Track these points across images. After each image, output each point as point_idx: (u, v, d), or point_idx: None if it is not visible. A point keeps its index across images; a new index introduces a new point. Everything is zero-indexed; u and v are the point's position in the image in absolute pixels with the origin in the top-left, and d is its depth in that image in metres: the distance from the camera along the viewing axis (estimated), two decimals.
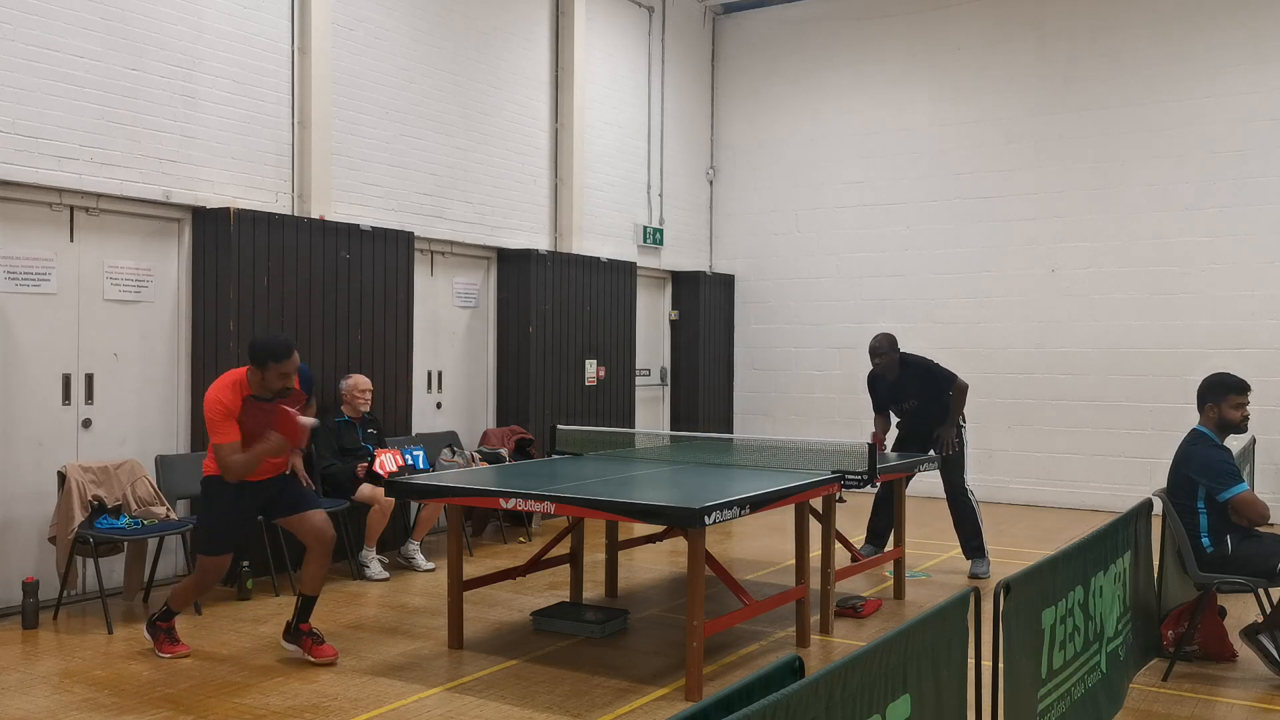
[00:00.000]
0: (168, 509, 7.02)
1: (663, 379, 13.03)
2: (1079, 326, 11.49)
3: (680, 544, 7.86)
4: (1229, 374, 5.83)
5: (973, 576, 7.86)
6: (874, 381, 8.29)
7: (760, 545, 9.16)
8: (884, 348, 7.98)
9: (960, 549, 8.11)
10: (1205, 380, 5.81)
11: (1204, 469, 5.53)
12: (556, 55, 11.09)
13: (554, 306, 10.53)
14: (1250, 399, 5.77)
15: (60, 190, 6.97)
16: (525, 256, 10.33)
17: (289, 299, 8.02)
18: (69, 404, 7.12)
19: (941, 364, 8.27)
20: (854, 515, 8.46)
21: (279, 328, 7.92)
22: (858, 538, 8.52)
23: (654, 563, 8.43)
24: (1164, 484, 5.79)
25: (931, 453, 7.87)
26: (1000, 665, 3.46)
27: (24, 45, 6.70)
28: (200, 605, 6.75)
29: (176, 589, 5.93)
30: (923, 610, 3.35)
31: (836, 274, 12.80)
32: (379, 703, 5.11)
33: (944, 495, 8.05)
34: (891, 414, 8.29)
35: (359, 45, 8.95)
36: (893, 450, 8.19)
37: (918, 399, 8.07)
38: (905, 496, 7.73)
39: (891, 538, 7.81)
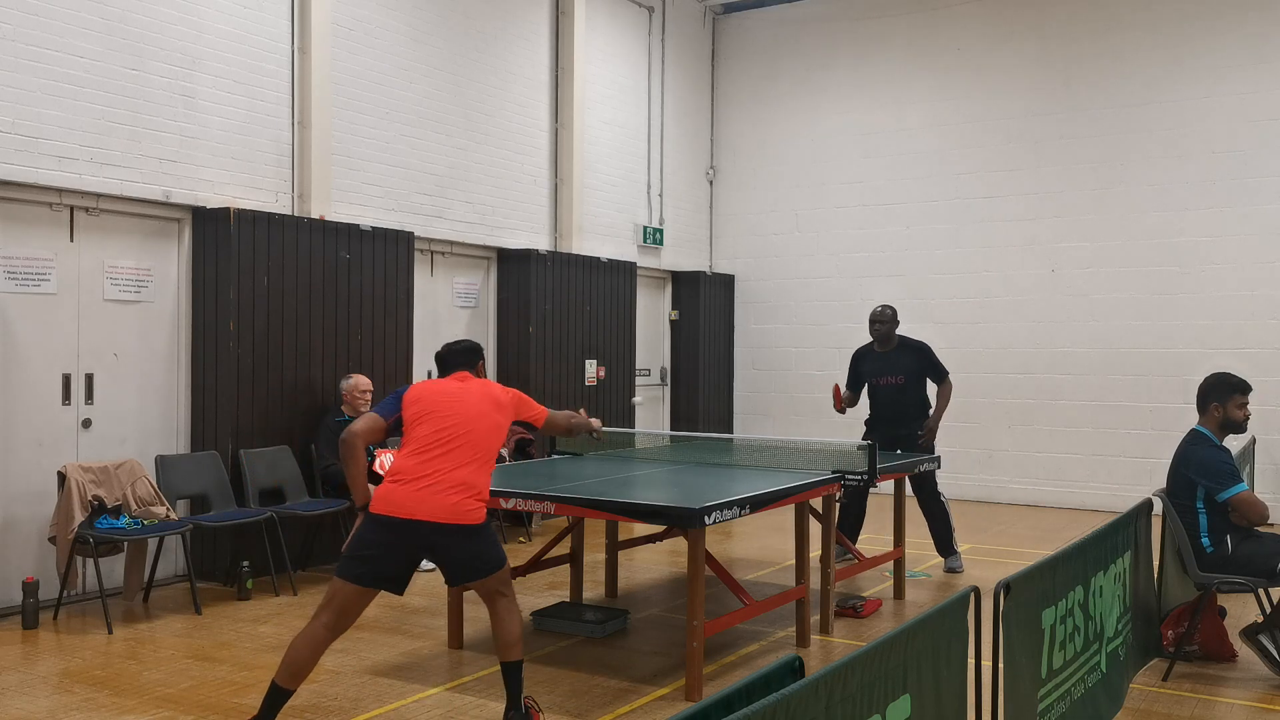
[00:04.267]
0: (168, 509, 7.01)
1: (663, 379, 13.03)
2: (1079, 326, 11.48)
3: (680, 544, 7.85)
4: (1231, 374, 5.83)
5: (950, 571, 8.15)
6: (860, 357, 8.50)
7: (760, 545, 9.16)
8: (886, 316, 8.33)
9: (935, 547, 8.30)
10: (1207, 380, 5.81)
11: (1203, 469, 5.53)
12: (556, 56, 11.09)
13: (554, 306, 10.53)
14: (1250, 399, 5.78)
15: (60, 190, 6.97)
16: (525, 256, 10.33)
17: (289, 299, 8.02)
18: (69, 404, 7.12)
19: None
20: (869, 515, 8.49)
21: (279, 328, 7.93)
22: (869, 538, 8.54)
23: (654, 563, 8.43)
24: (1164, 484, 5.80)
25: (927, 456, 7.90)
26: (1000, 665, 3.46)
27: (24, 45, 6.70)
28: (200, 605, 6.76)
29: (512, 642, 4.68)
30: (923, 610, 3.34)
31: (836, 274, 12.80)
32: (379, 703, 5.11)
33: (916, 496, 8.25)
34: (864, 393, 8.43)
35: (359, 45, 8.95)
36: (863, 435, 8.24)
37: (906, 377, 8.23)
38: (904, 497, 7.74)
39: (892, 538, 7.82)
